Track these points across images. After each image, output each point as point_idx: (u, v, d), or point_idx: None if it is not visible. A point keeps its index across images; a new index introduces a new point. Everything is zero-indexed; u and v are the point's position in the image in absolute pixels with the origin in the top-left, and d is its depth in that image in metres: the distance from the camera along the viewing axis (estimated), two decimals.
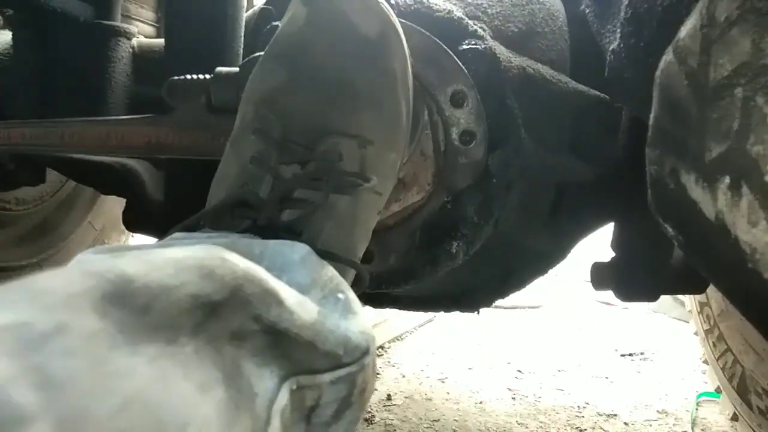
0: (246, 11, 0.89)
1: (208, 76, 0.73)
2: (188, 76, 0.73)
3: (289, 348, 0.36)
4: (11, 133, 0.81)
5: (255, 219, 0.49)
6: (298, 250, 0.44)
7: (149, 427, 0.25)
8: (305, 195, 0.51)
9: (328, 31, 0.55)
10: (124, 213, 0.93)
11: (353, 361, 0.41)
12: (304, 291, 0.41)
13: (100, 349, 0.25)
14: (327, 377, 0.39)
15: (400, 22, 0.68)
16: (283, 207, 0.50)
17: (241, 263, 0.34)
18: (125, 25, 0.97)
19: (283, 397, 0.35)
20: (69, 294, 0.26)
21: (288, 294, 0.37)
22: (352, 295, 0.45)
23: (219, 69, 0.71)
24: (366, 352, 0.42)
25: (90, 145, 0.78)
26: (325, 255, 0.47)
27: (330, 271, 0.45)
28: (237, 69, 0.70)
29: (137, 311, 0.27)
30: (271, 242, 0.44)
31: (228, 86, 0.70)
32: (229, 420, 0.30)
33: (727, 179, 0.38)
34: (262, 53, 0.61)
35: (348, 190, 0.52)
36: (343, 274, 0.50)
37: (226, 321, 0.32)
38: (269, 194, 0.50)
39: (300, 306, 0.37)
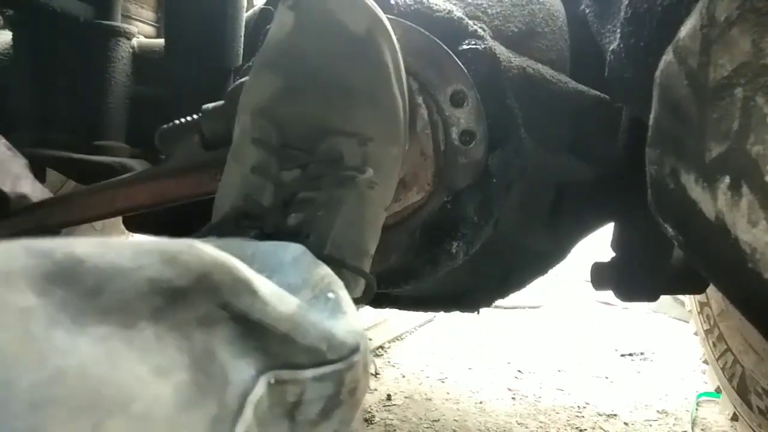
0: (246, 11, 0.89)
1: (196, 116, 0.72)
2: (176, 121, 0.72)
3: (265, 340, 0.35)
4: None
5: (261, 227, 0.49)
6: (291, 250, 0.44)
7: (85, 399, 0.23)
8: (308, 196, 0.51)
9: (317, 34, 0.55)
10: None
11: (339, 359, 0.39)
12: (293, 291, 0.40)
13: (33, 325, 0.24)
14: (309, 373, 0.37)
15: (400, 22, 0.68)
16: (288, 212, 0.50)
17: (210, 251, 0.33)
18: (125, 25, 0.97)
19: (260, 390, 0.34)
20: (5, 270, 0.24)
21: (263, 285, 0.36)
22: (344, 294, 0.44)
23: (205, 106, 0.70)
24: (355, 350, 0.41)
25: (100, 211, 0.78)
26: (331, 261, 0.47)
27: (323, 270, 0.45)
28: (223, 101, 0.70)
29: (86, 292, 0.26)
30: (264, 243, 0.44)
31: (218, 119, 0.69)
32: (189, 403, 0.28)
33: (727, 179, 0.38)
34: (251, 65, 0.61)
35: (348, 183, 0.52)
36: (352, 280, 0.50)
37: (191, 307, 0.31)
38: (272, 201, 0.50)
39: (276, 297, 0.36)
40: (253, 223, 0.50)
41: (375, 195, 0.55)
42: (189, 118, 0.72)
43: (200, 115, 0.70)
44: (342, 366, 0.40)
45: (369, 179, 0.54)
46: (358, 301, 0.53)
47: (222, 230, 0.50)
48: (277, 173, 0.51)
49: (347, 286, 0.47)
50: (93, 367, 0.24)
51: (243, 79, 0.67)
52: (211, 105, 0.70)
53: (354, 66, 0.55)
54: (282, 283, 0.39)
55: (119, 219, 0.96)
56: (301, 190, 0.51)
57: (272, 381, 0.35)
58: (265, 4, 0.89)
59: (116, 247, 0.29)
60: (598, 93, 0.80)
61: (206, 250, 0.33)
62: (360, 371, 0.42)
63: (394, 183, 0.60)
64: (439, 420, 1.37)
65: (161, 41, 0.95)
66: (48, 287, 0.25)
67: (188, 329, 0.30)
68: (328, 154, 0.52)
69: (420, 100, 0.69)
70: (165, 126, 0.72)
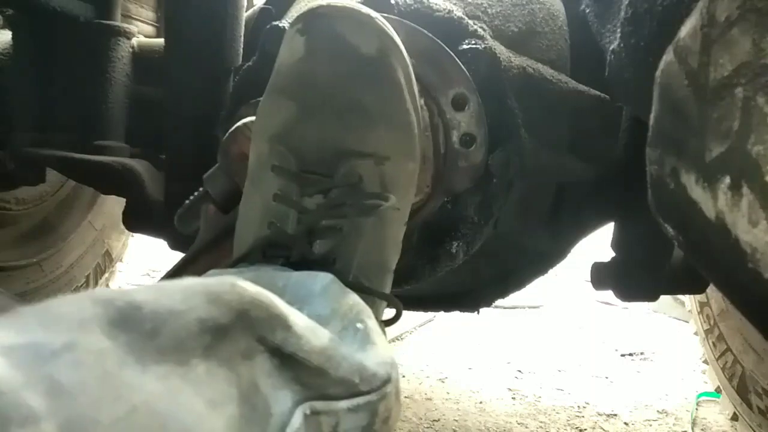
0: (246, 11, 0.89)
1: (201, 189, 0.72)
2: (186, 202, 0.72)
3: (299, 372, 0.37)
4: None
5: (288, 256, 0.50)
6: (320, 280, 0.45)
7: None
8: (332, 223, 0.51)
9: (328, 58, 0.55)
10: (124, 213, 0.93)
11: (372, 390, 0.41)
12: (323, 322, 0.41)
13: (108, 364, 0.27)
14: (344, 404, 0.39)
15: (403, 23, 0.68)
16: (313, 239, 0.51)
17: (251, 289, 0.35)
18: (125, 25, 0.97)
19: (297, 421, 0.36)
20: (78, 319, 0.28)
21: (298, 319, 0.38)
22: (372, 324, 0.46)
23: (204, 175, 0.71)
24: (386, 381, 0.43)
25: None
26: (358, 287, 0.48)
27: (351, 299, 0.46)
28: (218, 162, 0.70)
29: (146, 335, 0.29)
30: (294, 274, 0.46)
31: (221, 180, 0.69)
32: None
33: (728, 179, 0.38)
34: (239, 123, 0.62)
35: (372, 211, 0.53)
36: (378, 300, 0.51)
37: (235, 343, 0.33)
38: (296, 228, 0.51)
39: (310, 331, 0.38)
40: (279, 252, 0.51)
41: (396, 216, 0.56)
42: (196, 193, 0.72)
43: (204, 182, 0.71)
44: (375, 397, 0.41)
45: (393, 206, 0.55)
46: (386, 324, 0.55)
47: (250, 260, 0.51)
48: (299, 200, 0.52)
49: (372, 306, 0.49)
50: (158, 403, 0.27)
51: (233, 128, 0.68)
52: (210, 171, 0.71)
53: (367, 87, 0.55)
54: (312, 314, 0.41)
55: (119, 219, 0.96)
56: (325, 218, 0.51)
57: (308, 412, 0.37)
58: (265, 4, 0.89)
59: (168, 291, 0.32)
60: (599, 93, 0.80)
61: (247, 288, 0.35)
62: (392, 400, 0.44)
63: (411, 197, 0.61)
64: (439, 420, 1.37)
65: (161, 41, 0.95)
66: (114, 332, 0.28)
67: (234, 363, 0.33)
68: (347, 178, 0.53)
69: (422, 102, 0.69)
70: (179, 210, 0.74)
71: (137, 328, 0.29)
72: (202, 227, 0.70)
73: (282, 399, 0.35)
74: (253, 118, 0.65)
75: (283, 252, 0.51)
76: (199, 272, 0.71)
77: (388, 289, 0.55)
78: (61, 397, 0.24)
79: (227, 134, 0.68)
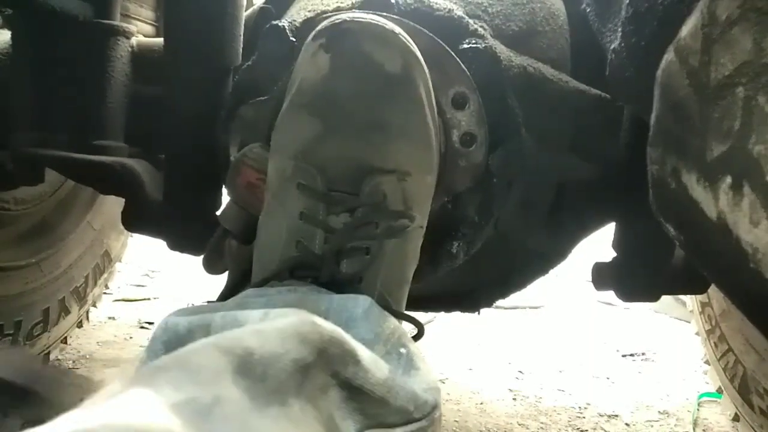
0: (246, 10, 0.89)
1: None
2: (208, 244, 0.75)
3: (364, 403, 0.40)
4: None
5: (316, 276, 0.52)
6: (361, 303, 0.47)
7: None
8: (359, 244, 0.53)
9: (353, 76, 0.56)
10: (123, 213, 0.93)
11: (424, 416, 0.44)
12: (368, 346, 0.44)
13: (243, 414, 0.32)
14: (399, 431, 0.42)
15: (404, 22, 0.68)
16: (341, 259, 0.52)
17: (327, 327, 0.39)
18: (124, 24, 0.97)
19: None
20: (213, 371, 0.32)
21: (364, 354, 0.41)
22: (414, 348, 0.48)
23: (218, 214, 0.73)
24: (435, 406, 0.46)
25: None
26: (383, 306, 0.50)
27: (392, 323, 0.48)
28: (225, 205, 0.71)
29: (257, 379, 0.34)
30: (336, 297, 0.48)
31: (234, 213, 0.70)
32: None
33: (729, 179, 0.38)
34: (239, 155, 0.64)
35: (399, 233, 0.55)
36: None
37: (315, 379, 0.37)
38: (324, 247, 0.52)
39: (374, 364, 0.42)
40: (308, 273, 0.52)
41: (417, 234, 0.58)
42: (215, 234, 0.75)
43: (220, 222, 0.72)
44: (426, 423, 0.44)
45: (418, 225, 0.57)
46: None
47: (280, 279, 0.53)
48: (325, 218, 0.53)
49: None
50: None
51: (233, 161, 0.68)
52: (222, 209, 0.72)
53: (391, 105, 0.56)
54: (357, 337, 0.43)
55: (118, 219, 0.95)
56: (352, 238, 0.53)
57: None
58: (264, 3, 0.88)
59: (268, 334, 0.36)
60: (599, 92, 0.80)
61: (324, 326, 0.39)
62: (438, 424, 0.47)
63: (428, 209, 0.62)
64: None
65: (161, 40, 0.95)
66: (238, 379, 0.33)
67: (315, 399, 0.37)
68: (372, 196, 0.54)
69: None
70: (204, 255, 0.76)
71: (251, 374, 0.33)
72: (230, 265, 0.71)
73: (350, 429, 0.39)
74: (252, 146, 0.67)
75: (313, 272, 0.52)
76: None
77: (405, 299, 0.57)
78: None
79: (230, 168, 0.69)
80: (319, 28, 0.58)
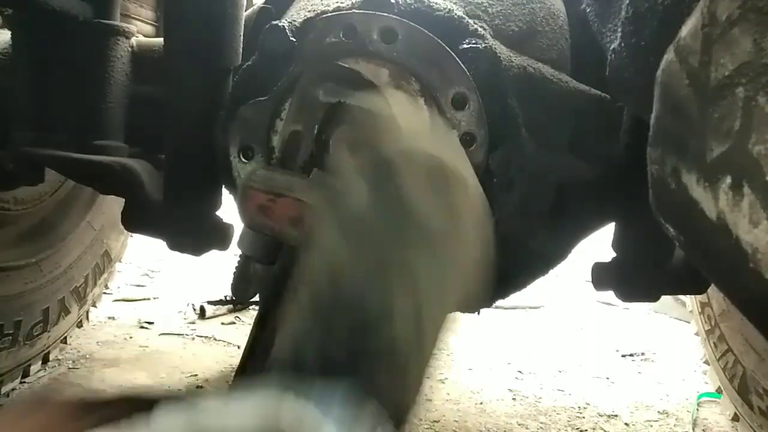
0: (246, 10, 0.89)
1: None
2: (233, 274, 0.77)
3: None
4: None
5: None
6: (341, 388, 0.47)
7: None
8: None
9: (393, 220, 0.52)
10: (123, 213, 0.93)
11: None
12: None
13: None
14: None
15: (404, 22, 0.67)
16: None
17: None
18: (124, 25, 0.97)
19: None
20: None
21: None
22: None
23: (237, 242, 0.74)
24: None
25: None
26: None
27: (370, 408, 0.48)
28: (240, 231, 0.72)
29: None
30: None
31: (251, 237, 0.71)
32: None
33: (729, 179, 0.38)
34: (242, 183, 0.66)
35: None
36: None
37: None
38: None
39: None
40: None
41: None
42: (238, 262, 0.77)
43: (240, 249, 0.73)
44: None
45: None
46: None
47: None
48: None
49: None
50: None
51: (239, 189, 0.69)
52: (238, 237, 0.73)
53: (426, 256, 0.53)
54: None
55: (118, 219, 0.95)
56: None
57: None
58: (264, 3, 0.88)
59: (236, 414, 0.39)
60: (599, 92, 0.80)
61: None
62: None
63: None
64: (439, 421, 1.37)
65: (160, 40, 0.95)
66: None
67: None
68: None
69: (421, 102, 0.69)
70: (232, 283, 0.79)
71: None
72: (260, 287, 0.72)
73: None
74: (253, 170, 0.69)
75: None
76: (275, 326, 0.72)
77: None
78: None
79: (239, 196, 0.69)
80: (366, 155, 0.55)
